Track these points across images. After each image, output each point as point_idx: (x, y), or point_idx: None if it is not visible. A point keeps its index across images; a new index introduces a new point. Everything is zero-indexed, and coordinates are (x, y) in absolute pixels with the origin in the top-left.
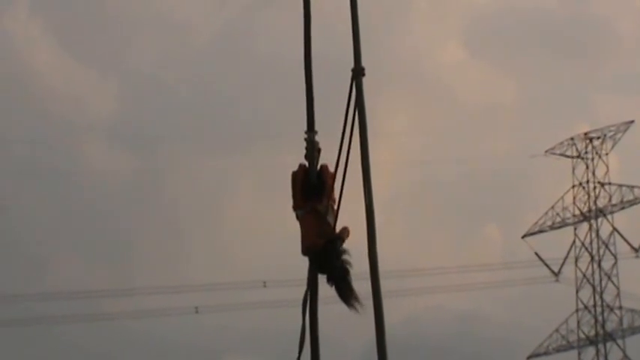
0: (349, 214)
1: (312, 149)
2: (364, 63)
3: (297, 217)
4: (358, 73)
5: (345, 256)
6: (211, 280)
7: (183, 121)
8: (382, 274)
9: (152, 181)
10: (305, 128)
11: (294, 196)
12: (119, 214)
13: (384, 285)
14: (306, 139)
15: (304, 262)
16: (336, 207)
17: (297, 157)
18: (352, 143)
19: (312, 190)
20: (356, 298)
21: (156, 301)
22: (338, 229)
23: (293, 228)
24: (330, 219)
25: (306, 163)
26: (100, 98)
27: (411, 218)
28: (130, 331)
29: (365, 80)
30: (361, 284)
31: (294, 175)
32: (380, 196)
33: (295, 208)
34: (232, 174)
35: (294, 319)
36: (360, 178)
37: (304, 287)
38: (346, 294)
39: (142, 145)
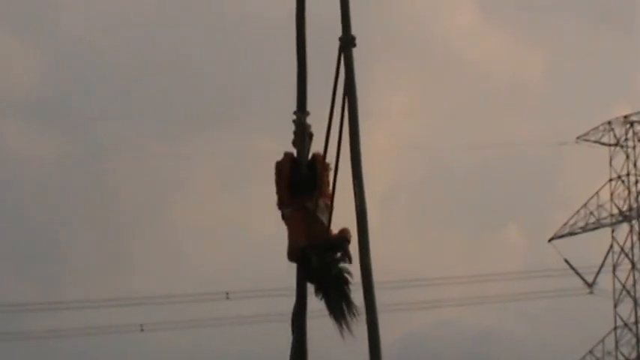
0: (342, 213)
1: (303, 134)
2: (355, 31)
3: (283, 217)
4: (348, 42)
5: (343, 264)
6: (160, 291)
7: (125, 97)
8: (379, 284)
9: (86, 171)
10: (292, 108)
11: (279, 192)
12: (44, 211)
13: (382, 297)
14: (295, 122)
15: (283, 270)
16: (330, 203)
17: (274, 144)
18: (344, 126)
19: (302, 183)
20: (353, 315)
21: (90, 317)
22: (333, 231)
23: (267, 230)
24: (324, 218)
25: (294, 151)
26: (20, 69)
27: (415, 217)
28: (58, 352)
29: (356, 51)
30: (353, 296)
31: (279, 165)
32: (376, 191)
33: (280, 205)
34: (188, 163)
35: (264, 337)
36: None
37: (277, 300)
38: (339, 309)
39: (72, 126)
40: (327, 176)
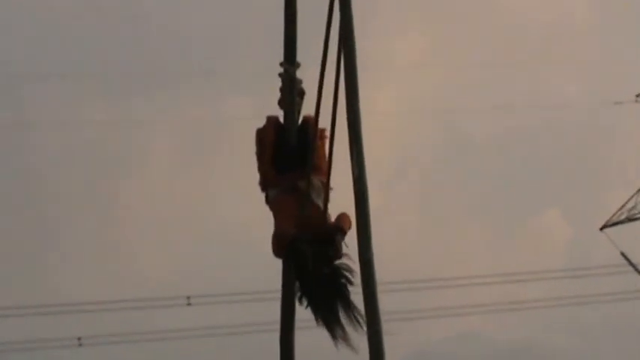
0: (342, 194)
1: (292, 91)
2: None
3: (267, 201)
4: None
5: (341, 262)
6: (102, 296)
7: (57, 50)
8: (384, 286)
9: (5, 143)
10: (278, 59)
11: (261, 168)
12: None
13: (388, 302)
14: (281, 76)
15: (264, 268)
16: (327, 182)
17: (252, 105)
18: (340, 84)
19: (291, 157)
20: (353, 322)
21: (14, 329)
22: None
23: (240, 217)
24: (319, 200)
25: (280, 115)
26: None
27: (429, 200)
28: None
29: None
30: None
31: (261, 133)
32: (380, 166)
33: (264, 185)
34: (138, 133)
35: (236, 353)
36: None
37: (255, 306)
38: (334, 315)
39: None
40: (323, 147)
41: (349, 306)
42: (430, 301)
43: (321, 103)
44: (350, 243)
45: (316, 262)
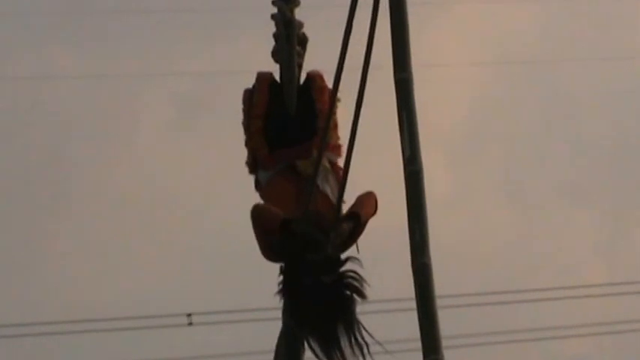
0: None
1: (289, 37)
2: None
3: (257, 186)
4: None
5: (350, 267)
6: (84, 314)
7: None
8: (450, 301)
9: None
10: None
11: (250, 142)
12: None
13: (457, 323)
14: (275, 17)
15: (267, 280)
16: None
17: (236, 56)
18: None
19: (289, 127)
20: (359, 351)
21: None
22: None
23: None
24: (328, 187)
25: (276, 72)
26: None
27: (516, 183)
28: None
29: None
30: (389, 319)
31: (248, 96)
32: (438, 134)
33: (252, 165)
34: (96, 88)
35: None
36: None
37: (268, 324)
38: (330, 342)
39: None
40: (335, 113)
41: (353, 326)
42: (514, 321)
43: (347, 49)
44: (391, 243)
45: (313, 262)
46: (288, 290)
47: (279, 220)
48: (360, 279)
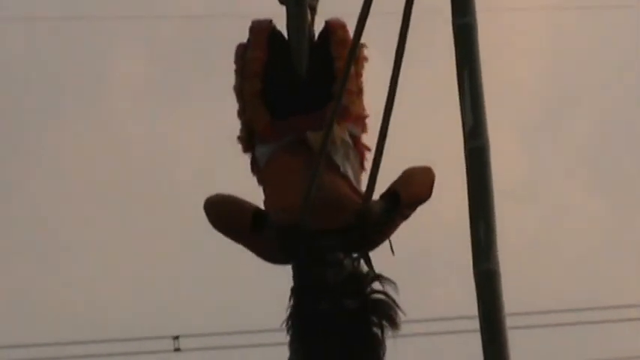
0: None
1: None
2: None
3: (254, 168)
4: None
5: (374, 281)
6: (60, 337)
7: None
8: (524, 320)
9: None
10: None
11: (245, 109)
12: None
13: (533, 344)
14: None
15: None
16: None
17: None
18: None
19: (298, 90)
20: None
21: None
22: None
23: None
24: (348, 166)
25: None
26: None
27: (610, 172)
28: None
29: None
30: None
31: (242, 51)
32: (523, 109)
33: (248, 140)
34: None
35: None
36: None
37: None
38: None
39: None
40: (360, 72)
41: (371, 345)
42: (599, 346)
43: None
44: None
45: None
46: (296, 318)
47: (248, 214)
48: (393, 304)
